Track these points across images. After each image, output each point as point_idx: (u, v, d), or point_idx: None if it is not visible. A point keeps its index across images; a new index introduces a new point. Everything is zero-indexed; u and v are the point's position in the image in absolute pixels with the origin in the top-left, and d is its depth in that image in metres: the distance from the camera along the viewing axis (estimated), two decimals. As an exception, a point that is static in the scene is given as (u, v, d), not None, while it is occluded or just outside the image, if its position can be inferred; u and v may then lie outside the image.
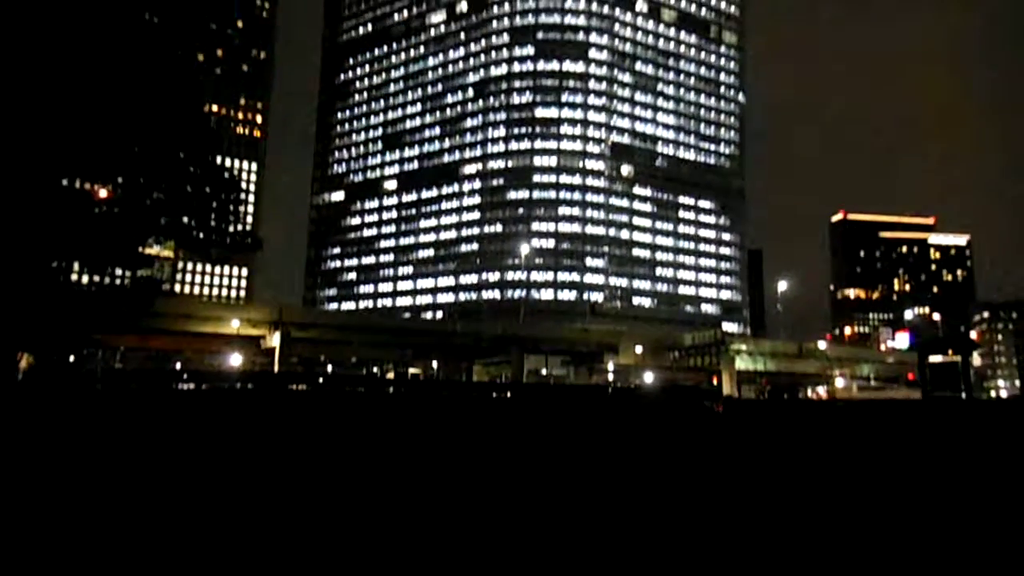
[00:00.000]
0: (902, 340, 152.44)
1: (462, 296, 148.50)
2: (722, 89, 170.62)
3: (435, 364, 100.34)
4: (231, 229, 23.31)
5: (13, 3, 17.26)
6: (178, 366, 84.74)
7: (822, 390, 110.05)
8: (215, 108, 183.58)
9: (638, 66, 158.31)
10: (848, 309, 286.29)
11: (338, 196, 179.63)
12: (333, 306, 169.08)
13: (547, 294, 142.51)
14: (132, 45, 21.15)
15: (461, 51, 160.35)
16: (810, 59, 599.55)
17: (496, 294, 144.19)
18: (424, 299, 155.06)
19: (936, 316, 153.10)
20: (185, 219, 22.68)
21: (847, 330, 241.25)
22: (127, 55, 20.76)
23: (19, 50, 17.90)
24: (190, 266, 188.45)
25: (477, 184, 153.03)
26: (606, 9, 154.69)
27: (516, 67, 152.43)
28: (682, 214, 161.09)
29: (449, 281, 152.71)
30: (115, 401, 30.84)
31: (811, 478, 13.57)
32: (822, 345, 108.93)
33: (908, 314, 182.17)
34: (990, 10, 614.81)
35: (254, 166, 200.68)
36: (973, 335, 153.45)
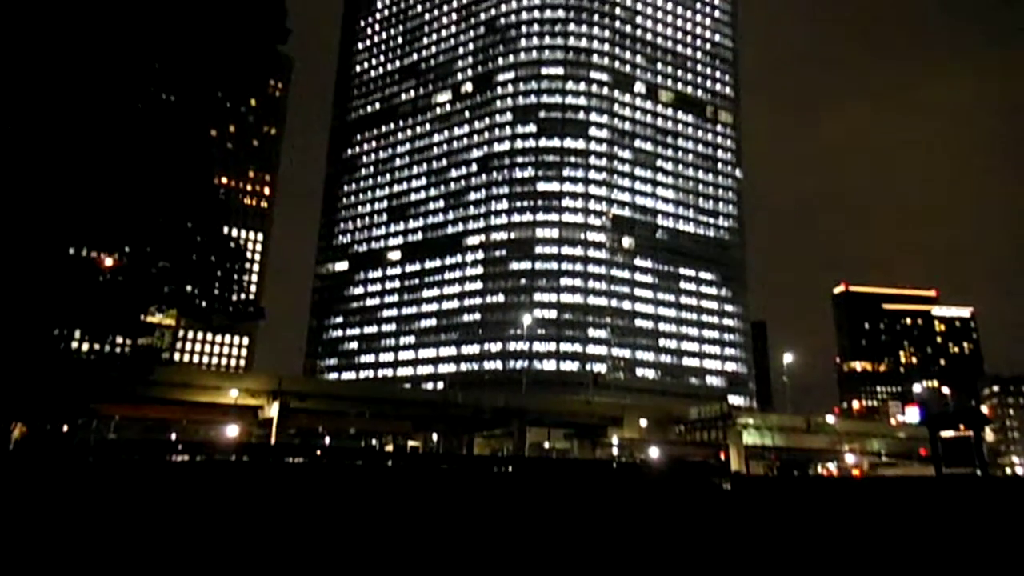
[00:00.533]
0: (912, 414, 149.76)
1: (464, 367, 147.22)
2: (719, 165, 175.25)
3: (435, 436, 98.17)
4: (234, 298, 23.26)
5: (32, 79, 17.90)
6: (173, 437, 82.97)
7: (832, 466, 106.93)
8: (224, 180, 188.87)
9: (637, 143, 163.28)
10: (855, 382, 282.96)
11: (342, 266, 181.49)
12: (333, 376, 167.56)
13: (549, 365, 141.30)
14: (149, 123, 21.79)
15: (466, 128, 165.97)
16: (809, 136, 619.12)
17: (498, 365, 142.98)
18: (425, 369, 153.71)
19: (945, 390, 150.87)
20: (189, 288, 22.67)
21: (855, 403, 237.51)
22: (144, 132, 21.36)
23: (37, 125, 18.43)
24: (191, 334, 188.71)
25: (480, 255, 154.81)
26: (605, 91, 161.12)
27: (519, 143, 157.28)
28: (684, 285, 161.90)
29: (451, 351, 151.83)
30: (106, 473, 29.93)
31: (829, 565, 12.84)
32: (830, 419, 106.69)
33: (916, 387, 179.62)
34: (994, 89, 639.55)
35: (260, 236, 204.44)
36: (984, 409, 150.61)
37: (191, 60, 21.70)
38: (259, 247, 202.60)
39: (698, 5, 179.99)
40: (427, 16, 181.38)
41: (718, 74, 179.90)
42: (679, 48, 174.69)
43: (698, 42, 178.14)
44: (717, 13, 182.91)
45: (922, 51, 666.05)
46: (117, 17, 19.14)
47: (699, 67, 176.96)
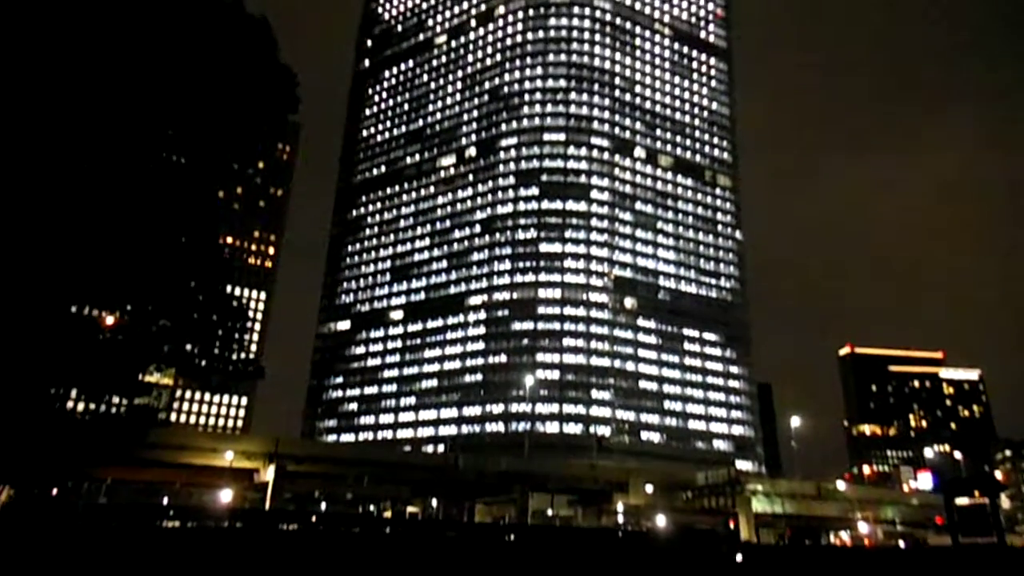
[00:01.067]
0: (925, 480, 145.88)
1: (465, 429, 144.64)
2: (719, 227, 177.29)
3: (434, 502, 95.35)
4: (234, 357, 22.99)
5: (45, 139, 18.25)
6: (165, 501, 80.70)
7: (846, 535, 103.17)
8: (230, 239, 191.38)
9: (638, 206, 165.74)
10: (865, 446, 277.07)
11: (344, 325, 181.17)
12: (332, 438, 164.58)
13: (552, 427, 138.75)
14: (159, 185, 22.12)
15: (469, 191, 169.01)
16: (809, 199, 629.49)
17: (500, 427, 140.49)
18: (426, 431, 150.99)
19: (957, 454, 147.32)
20: (189, 346, 22.46)
21: (866, 468, 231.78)
22: (153, 194, 21.63)
23: (46, 185, 18.66)
24: (188, 394, 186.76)
25: (482, 315, 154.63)
26: (606, 155, 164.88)
27: (521, 206, 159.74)
28: (687, 347, 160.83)
29: (452, 413, 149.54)
30: (96, 540, 28.81)
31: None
32: (841, 485, 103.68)
33: (928, 452, 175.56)
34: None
35: (262, 295, 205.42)
36: (998, 475, 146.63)
37: (205, 128, 22.23)
38: (261, 306, 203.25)
39: (695, 75, 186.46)
40: (432, 84, 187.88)
41: (716, 140, 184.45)
42: (677, 115, 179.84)
43: (696, 109, 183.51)
44: (714, 83, 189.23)
45: (922, 92, 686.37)
46: (136, 86, 19.70)
47: (697, 133, 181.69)
